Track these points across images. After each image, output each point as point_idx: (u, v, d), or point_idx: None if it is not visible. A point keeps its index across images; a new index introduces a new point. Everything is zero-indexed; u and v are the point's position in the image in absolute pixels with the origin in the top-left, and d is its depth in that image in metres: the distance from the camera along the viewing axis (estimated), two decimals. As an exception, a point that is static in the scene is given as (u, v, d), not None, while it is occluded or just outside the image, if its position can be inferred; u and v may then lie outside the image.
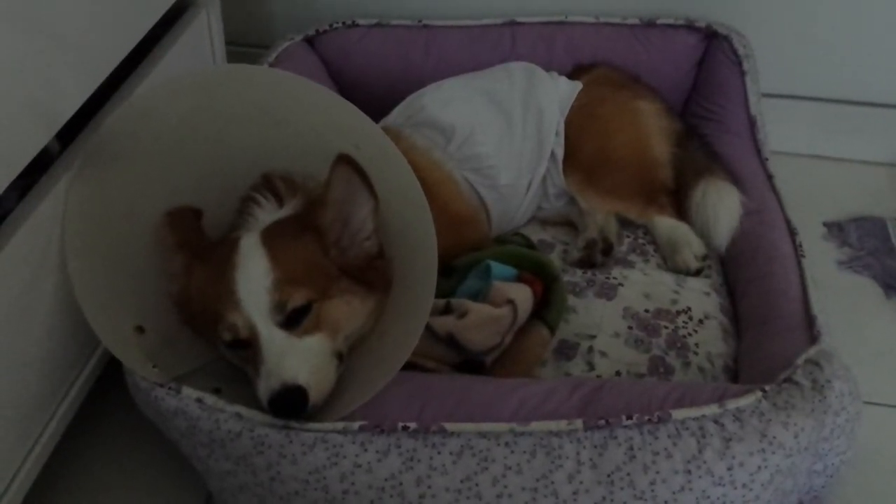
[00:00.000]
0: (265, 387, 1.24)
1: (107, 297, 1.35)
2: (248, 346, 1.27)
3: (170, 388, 1.28)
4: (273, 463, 1.24)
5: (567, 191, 1.82)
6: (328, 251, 1.34)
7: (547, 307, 1.50)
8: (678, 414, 1.21)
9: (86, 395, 1.46)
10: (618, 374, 1.49)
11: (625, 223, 1.86)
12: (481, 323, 1.40)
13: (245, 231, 1.40)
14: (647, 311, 1.60)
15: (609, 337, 1.55)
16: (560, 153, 1.81)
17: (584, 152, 1.79)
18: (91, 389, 1.47)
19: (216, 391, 1.30)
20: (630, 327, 1.56)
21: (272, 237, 1.34)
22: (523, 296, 1.45)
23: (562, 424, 1.22)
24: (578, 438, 1.22)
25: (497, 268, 1.49)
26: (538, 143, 1.80)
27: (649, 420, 1.21)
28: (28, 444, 1.34)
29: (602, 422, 1.22)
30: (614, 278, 1.67)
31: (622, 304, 1.61)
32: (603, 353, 1.52)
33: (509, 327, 1.43)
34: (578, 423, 1.22)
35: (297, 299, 1.26)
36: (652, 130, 1.85)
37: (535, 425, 1.23)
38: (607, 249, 1.74)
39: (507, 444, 1.22)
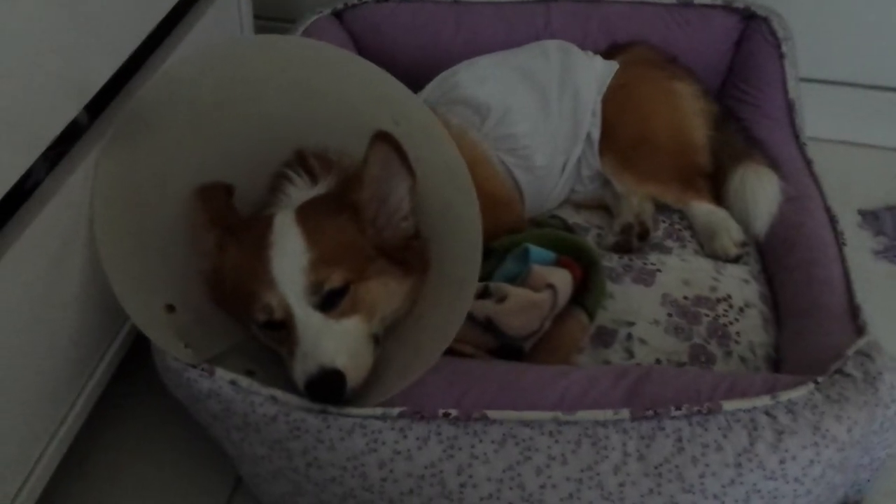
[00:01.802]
0: (301, 370, 1.20)
1: (137, 273, 1.30)
2: (282, 327, 1.23)
3: (202, 370, 1.24)
4: (310, 448, 1.21)
5: (602, 173, 1.78)
6: (365, 231, 1.29)
7: (586, 293, 1.46)
8: (729, 405, 1.18)
9: (112, 373, 1.42)
10: (658, 362, 1.45)
11: (659, 207, 1.81)
12: (521, 308, 1.36)
13: (278, 209, 1.36)
14: (686, 298, 1.56)
15: (648, 324, 1.50)
16: (596, 134, 1.76)
17: (620, 134, 1.74)
18: (116, 369, 1.43)
19: (249, 373, 1.26)
20: (669, 314, 1.52)
21: (307, 215, 1.29)
22: (563, 280, 1.41)
23: (608, 414, 1.19)
24: (625, 429, 1.18)
25: (536, 251, 1.45)
26: (574, 123, 1.76)
27: (699, 411, 1.18)
28: (54, 424, 1.31)
29: (650, 412, 1.18)
30: (652, 264, 1.62)
31: (661, 291, 1.57)
32: (642, 341, 1.48)
33: (549, 313, 1.39)
34: (625, 412, 1.18)
35: (334, 280, 1.22)
36: (690, 112, 1.81)
37: (581, 414, 1.19)
38: (644, 234, 1.70)
39: (550, 433, 1.19)
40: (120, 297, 1.27)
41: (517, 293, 1.37)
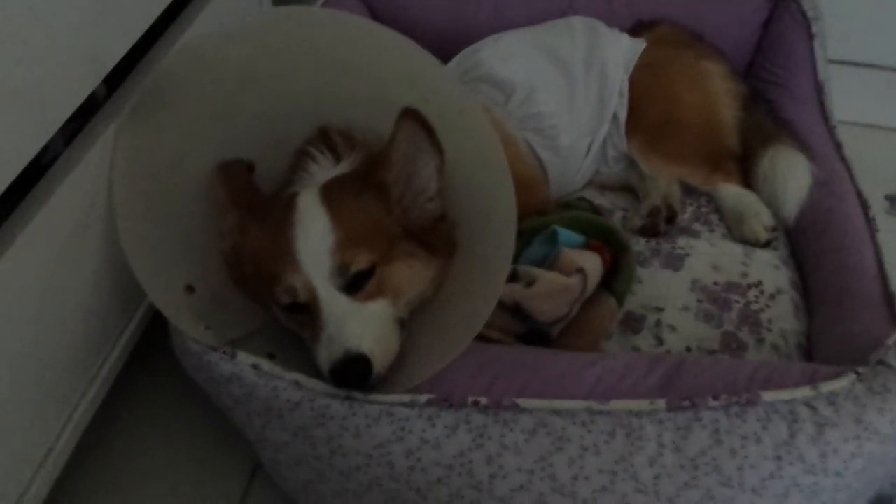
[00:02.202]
0: (326, 354, 1.16)
1: (156, 252, 1.27)
2: (306, 310, 1.19)
3: (224, 353, 1.20)
4: (334, 435, 1.17)
5: (629, 154, 1.74)
6: (391, 211, 1.25)
7: (615, 277, 1.42)
8: (768, 396, 1.13)
9: (128, 355, 1.39)
10: (688, 349, 1.42)
11: (686, 190, 1.77)
12: (550, 292, 1.33)
13: (300, 187, 1.32)
14: (716, 283, 1.52)
15: (678, 310, 1.47)
16: (623, 115, 1.72)
17: (648, 114, 1.70)
18: (131, 351, 1.40)
19: (270, 357, 1.22)
20: (699, 300, 1.49)
21: (332, 195, 1.25)
22: (593, 264, 1.37)
23: (643, 404, 1.15)
24: (660, 419, 1.14)
25: (564, 234, 1.41)
26: (600, 102, 1.71)
27: (737, 402, 1.13)
28: (69, 408, 1.27)
29: (686, 402, 1.14)
30: (680, 248, 1.59)
31: (690, 276, 1.53)
32: (672, 327, 1.44)
33: (578, 297, 1.35)
34: (661, 403, 1.14)
35: (361, 262, 1.19)
36: (719, 93, 1.76)
37: (615, 404, 1.15)
38: (671, 217, 1.66)
39: (583, 423, 1.15)
40: (139, 276, 1.23)
41: (546, 277, 1.33)
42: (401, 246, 1.25)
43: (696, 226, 1.68)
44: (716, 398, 1.14)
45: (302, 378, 1.18)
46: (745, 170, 1.75)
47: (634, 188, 1.77)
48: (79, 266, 1.22)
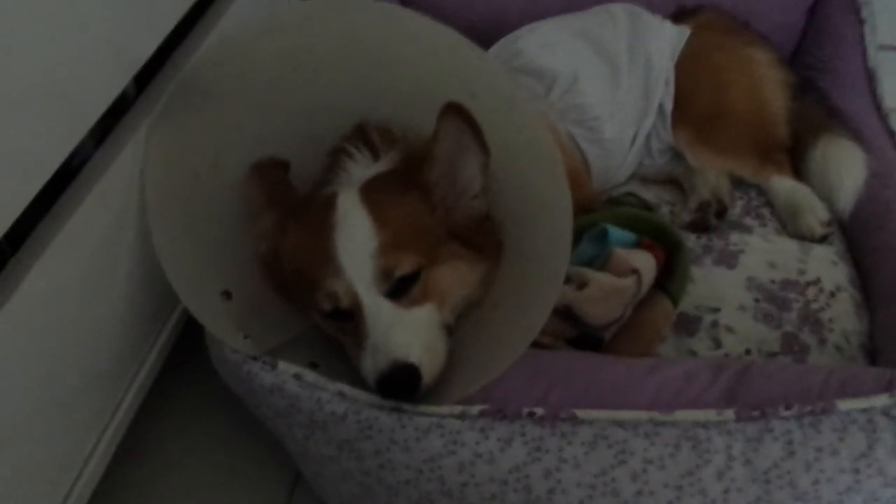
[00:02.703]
0: (372, 364, 1.11)
1: (191, 257, 1.21)
2: (349, 316, 1.14)
3: (264, 363, 1.14)
4: (382, 449, 1.12)
5: (675, 146, 1.67)
6: (435, 211, 1.20)
7: (669, 277, 1.35)
8: (843, 404, 1.07)
9: (162, 363, 1.33)
10: (747, 352, 1.34)
11: (734, 183, 1.69)
12: (603, 295, 1.26)
13: (338, 187, 1.26)
14: (773, 281, 1.45)
15: (734, 310, 1.39)
16: (669, 105, 1.65)
17: (695, 105, 1.63)
18: (165, 359, 1.35)
19: (312, 366, 1.17)
20: (756, 300, 1.41)
21: (373, 195, 1.20)
22: (647, 265, 1.30)
23: (710, 414, 1.08)
24: (729, 430, 1.08)
25: (615, 232, 1.34)
26: (645, 93, 1.64)
27: (811, 411, 1.07)
28: (105, 417, 1.22)
29: (756, 412, 1.08)
30: (734, 244, 1.51)
31: (745, 274, 1.45)
32: (729, 329, 1.37)
33: (632, 300, 1.28)
34: (729, 413, 1.08)
35: (406, 266, 1.14)
36: (768, 82, 1.69)
37: (680, 414, 1.09)
38: (721, 212, 1.58)
39: (646, 434, 1.09)
40: (174, 282, 1.17)
41: (599, 279, 1.26)
42: (445, 247, 1.20)
43: (748, 220, 1.61)
44: (788, 407, 1.08)
45: (347, 389, 1.13)
46: (796, 161, 1.68)
47: (680, 181, 1.70)
48: (111, 273, 1.17)
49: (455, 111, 1.15)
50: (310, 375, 1.14)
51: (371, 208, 1.17)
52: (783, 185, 1.63)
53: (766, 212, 1.63)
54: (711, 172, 1.64)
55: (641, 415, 1.09)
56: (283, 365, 1.14)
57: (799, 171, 1.67)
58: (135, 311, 1.24)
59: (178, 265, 1.19)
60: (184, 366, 1.39)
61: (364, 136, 1.31)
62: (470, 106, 1.14)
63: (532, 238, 1.16)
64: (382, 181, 1.24)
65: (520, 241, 1.21)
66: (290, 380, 1.14)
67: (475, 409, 1.10)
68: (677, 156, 1.70)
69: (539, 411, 1.10)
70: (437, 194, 1.21)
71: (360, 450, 1.13)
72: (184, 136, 1.22)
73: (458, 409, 1.10)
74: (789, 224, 1.59)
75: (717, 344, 1.36)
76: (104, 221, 1.13)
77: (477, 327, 1.20)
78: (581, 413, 1.10)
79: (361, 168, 1.28)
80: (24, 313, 0.97)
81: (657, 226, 1.38)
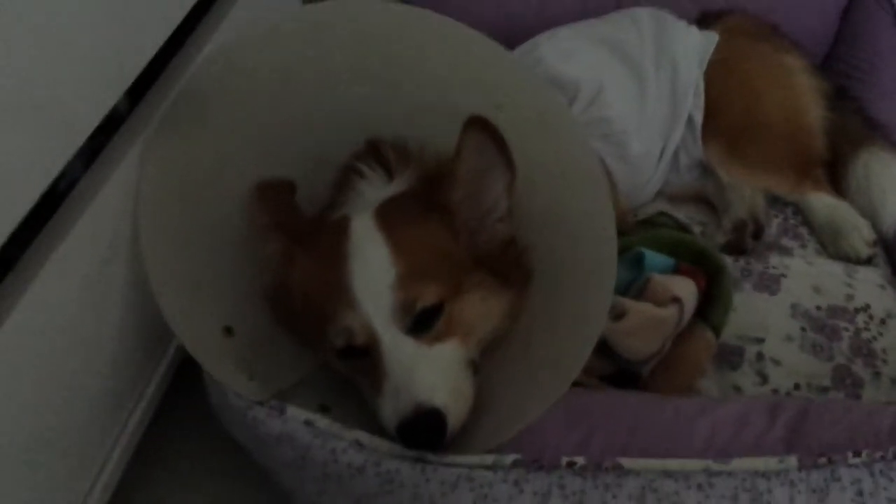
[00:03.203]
0: (392, 409, 1.00)
1: (189, 289, 1.11)
2: (364, 354, 1.04)
3: (271, 408, 1.04)
4: (405, 505, 0.99)
5: (705, 162, 1.58)
6: (457, 236, 1.10)
7: (710, 305, 1.25)
8: (920, 451, 0.95)
9: (156, 406, 1.22)
10: (797, 387, 1.25)
11: (768, 201, 1.59)
12: (643, 326, 1.16)
13: (350, 209, 1.16)
14: (818, 308, 1.35)
15: (780, 340, 1.30)
16: (698, 117, 1.55)
17: (727, 116, 1.54)
18: (160, 401, 1.24)
19: (323, 409, 1.06)
20: (803, 328, 1.32)
21: (390, 219, 1.10)
22: (689, 292, 1.20)
23: (771, 462, 0.98)
24: (792, 480, 0.97)
25: (652, 257, 1.23)
26: (673, 104, 1.55)
27: (882, 457, 0.97)
28: (95, 466, 1.11)
29: (822, 459, 0.97)
30: (774, 267, 1.42)
31: (789, 300, 1.36)
32: (776, 361, 1.28)
33: (673, 331, 1.17)
34: (791, 460, 0.98)
35: (428, 298, 1.03)
36: (803, 90, 1.60)
37: (737, 463, 0.98)
38: (758, 232, 1.49)
39: (699, 486, 0.98)
40: (169, 316, 1.07)
41: (638, 309, 1.15)
42: (470, 276, 1.09)
43: (786, 241, 1.52)
44: (856, 454, 0.98)
45: (365, 437, 1.02)
46: (833, 177, 1.59)
47: (710, 199, 1.61)
48: (101, 307, 1.06)
49: (479, 126, 1.04)
50: (322, 422, 1.03)
51: (388, 234, 1.07)
52: (822, 202, 1.54)
53: (803, 231, 1.55)
54: (746, 189, 1.53)
55: (695, 464, 0.99)
56: (292, 410, 1.04)
57: (837, 188, 1.58)
58: (126, 352, 1.13)
59: (175, 297, 1.09)
60: (180, 408, 1.29)
61: (377, 153, 1.21)
62: (496, 119, 1.04)
63: (569, 267, 1.06)
64: (399, 204, 1.14)
65: (553, 269, 1.10)
66: (301, 427, 1.03)
67: (508, 459, 1.00)
68: (706, 172, 1.61)
69: (580, 460, 0.99)
70: (460, 218, 1.10)
71: (381, 505, 1.00)
72: (180, 156, 1.12)
73: (489, 458, 1.00)
74: (830, 245, 1.50)
75: (764, 378, 1.26)
76: (94, 250, 1.03)
77: (506, 364, 1.10)
78: (627, 462, 0.99)
79: (375, 189, 1.18)
80: (4, 350, 0.88)
81: (697, 249, 1.27)
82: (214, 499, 1.31)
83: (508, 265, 1.13)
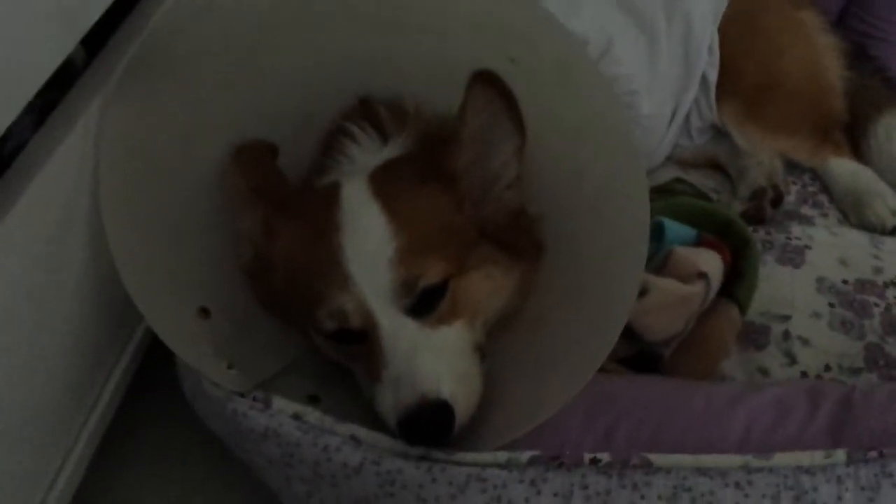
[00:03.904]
0: (393, 401, 0.90)
1: (158, 265, 1.01)
2: (360, 339, 0.94)
3: (254, 399, 0.93)
4: (408, 509, 0.89)
5: (718, 124, 1.48)
6: (462, 206, 1.00)
7: (737, 281, 1.15)
8: (979, 443, 0.86)
9: (120, 398, 1.11)
10: (827, 368, 1.15)
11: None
12: (666, 304, 1.06)
13: (340, 176, 1.05)
14: (845, 282, 1.25)
15: (807, 318, 1.19)
16: (713, 76, 1.46)
17: (744, 75, 1.46)
18: (125, 392, 1.13)
19: (313, 400, 0.96)
20: (831, 304, 1.21)
21: (386, 186, 0.99)
22: (715, 267, 1.10)
23: (816, 457, 0.88)
24: (839, 476, 0.88)
25: (673, 227, 1.13)
26: (686, 62, 1.45)
27: (939, 451, 0.87)
28: (52, 469, 1.00)
29: (873, 453, 0.88)
30: (797, 238, 1.31)
31: (814, 274, 1.25)
32: (804, 341, 1.17)
33: (698, 310, 1.07)
34: (839, 454, 0.88)
35: (432, 275, 0.94)
36: (824, 49, 1.52)
37: (780, 458, 0.89)
38: (777, 199, 1.40)
39: (737, 484, 0.88)
40: (136, 296, 0.96)
41: (661, 286, 1.05)
42: (476, 250, 1.00)
43: (805, 209, 1.43)
44: (911, 446, 0.86)
45: (361, 432, 0.92)
46: (853, 141, 1.51)
47: (723, 165, 1.53)
48: (56, 285, 0.94)
49: (486, 81, 0.94)
50: (313, 415, 0.93)
51: (385, 202, 0.97)
52: (845, 168, 1.46)
53: (823, 199, 1.46)
54: (764, 154, 1.44)
55: (733, 459, 0.89)
56: (278, 402, 0.94)
57: (856, 152, 1.50)
58: (86, 332, 1.02)
59: (141, 274, 0.98)
60: (148, 400, 1.18)
61: (370, 113, 1.11)
62: (508, 74, 0.93)
63: (592, 238, 0.95)
64: (396, 169, 1.03)
65: (572, 241, 0.98)
66: (289, 421, 0.93)
67: (524, 456, 0.90)
68: (719, 135, 1.52)
69: (604, 457, 0.89)
70: (464, 185, 1.00)
71: (380, 510, 0.89)
72: (146, 115, 1.00)
73: (502, 456, 0.89)
74: (853, 213, 1.42)
75: (792, 359, 1.16)
76: (46, 222, 0.91)
77: (518, 349, 1.00)
78: (656, 458, 0.89)
79: (367, 153, 1.09)
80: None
81: (723, 219, 1.17)
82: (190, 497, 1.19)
83: (518, 238, 1.04)
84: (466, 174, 1.00)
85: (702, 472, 0.88)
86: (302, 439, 0.91)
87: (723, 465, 0.89)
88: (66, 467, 1.01)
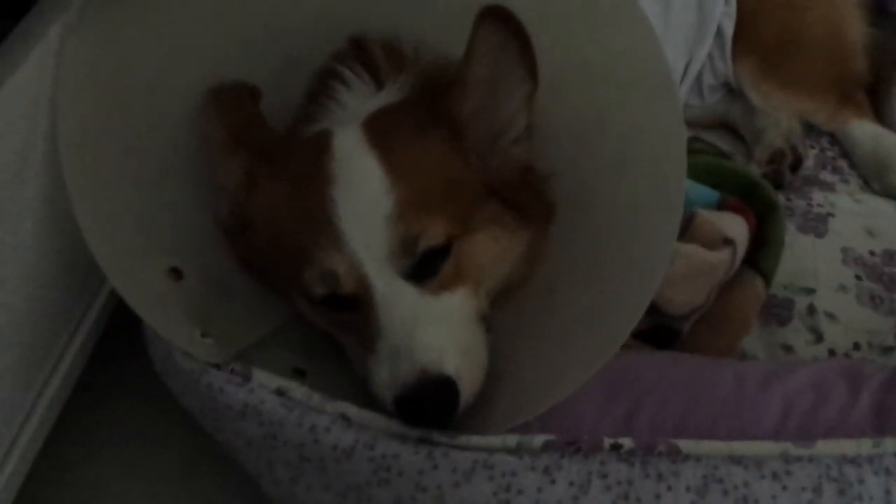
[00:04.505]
0: (389, 375, 0.82)
1: (122, 218, 0.91)
2: (352, 306, 0.85)
3: (232, 372, 0.84)
4: (405, 498, 0.80)
5: (733, 82, 1.41)
6: (467, 158, 0.91)
7: (761, 249, 1.07)
8: None
9: (81, 367, 1.02)
10: (856, 347, 1.08)
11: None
12: (690, 273, 0.98)
13: (331, 124, 0.96)
14: (872, 253, 1.18)
15: (833, 291, 1.13)
16: (729, 29, 1.38)
17: (762, 29, 1.38)
18: (87, 359, 1.04)
19: (298, 373, 0.87)
20: (858, 277, 1.15)
21: (383, 135, 0.90)
22: (741, 233, 1.03)
23: (863, 445, 0.80)
24: (887, 468, 0.80)
25: (694, 188, 1.03)
26: (700, 10, 1.37)
27: None
28: (4, 442, 0.90)
29: (925, 441, 0.80)
30: (818, 205, 1.26)
31: (838, 244, 1.19)
32: (830, 316, 1.10)
33: (722, 279, 0.98)
34: (889, 443, 0.80)
35: (434, 235, 0.85)
36: (846, 3, 1.43)
37: (822, 447, 0.80)
38: (796, 163, 1.32)
39: (774, 474, 0.80)
40: (98, 254, 0.86)
41: (686, 252, 0.97)
42: (481, 209, 0.91)
43: (825, 175, 1.36)
44: (968, 436, 0.79)
45: (353, 410, 0.82)
46: (873, 102, 1.44)
47: (735, 126, 1.45)
48: (10, 238, 0.86)
49: (497, 18, 0.85)
50: (298, 390, 0.84)
51: (382, 152, 0.88)
52: (866, 130, 1.39)
53: (843, 164, 1.39)
54: (782, 115, 1.37)
55: (770, 447, 0.81)
56: (259, 376, 0.84)
57: (876, 114, 1.43)
58: (43, 291, 0.94)
59: (105, 229, 0.89)
60: (114, 369, 1.06)
61: (363, 54, 1.02)
62: (520, 6, 0.84)
63: (613, 197, 0.85)
64: (393, 116, 0.94)
65: (588, 201, 0.89)
66: (271, 397, 0.84)
67: (537, 441, 0.80)
68: (731, 94, 1.45)
69: (626, 443, 0.81)
70: (470, 135, 0.91)
71: (376, 499, 0.81)
72: (112, 48, 0.92)
73: (512, 439, 0.80)
74: (875, 180, 1.35)
75: (818, 336, 1.10)
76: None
77: (527, 321, 0.91)
78: (685, 445, 0.80)
79: (361, 99, 0.99)
80: None
81: (748, 180, 1.09)
82: (163, 481, 1.09)
83: (526, 197, 0.94)
84: (472, 123, 0.91)
85: (735, 460, 0.80)
86: (286, 418, 0.82)
87: (759, 452, 0.80)
88: (20, 438, 0.92)
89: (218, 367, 0.84)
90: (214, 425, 0.88)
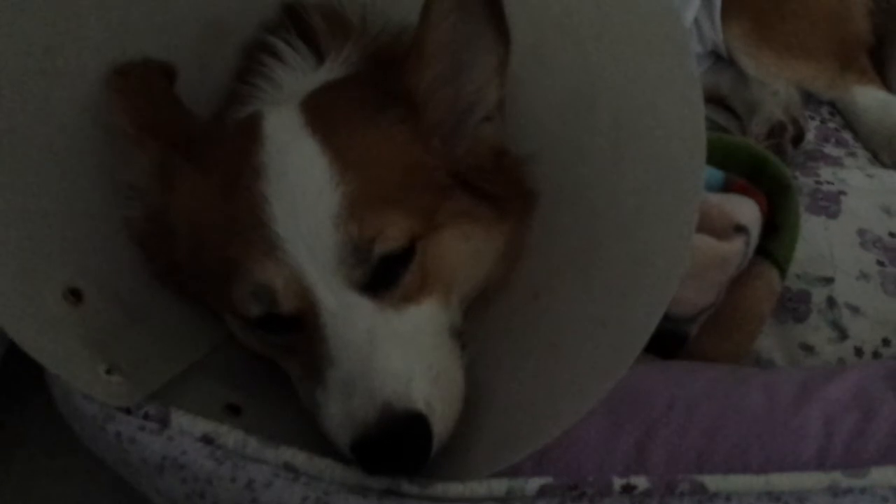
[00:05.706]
0: (344, 413, 0.67)
1: (11, 226, 0.73)
2: (296, 326, 0.72)
3: (146, 417, 0.68)
4: (369, 567, 0.65)
5: (723, 49, 1.30)
6: (428, 142, 0.78)
7: (774, 236, 0.92)
8: None
9: None
10: (886, 343, 0.95)
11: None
12: (699, 268, 0.84)
13: (261, 105, 0.84)
14: (892, 234, 1.05)
15: (853, 280, 0.99)
16: None
17: None
18: None
19: (232, 411, 0.73)
20: (880, 262, 1.01)
21: (326, 117, 0.76)
22: (753, 218, 0.89)
23: None
24: (950, 499, 0.67)
25: (699, 168, 0.89)
26: None
27: None
28: None
29: None
30: (828, 182, 1.12)
31: (854, 225, 1.06)
32: (853, 308, 0.97)
33: (734, 273, 0.85)
34: (953, 469, 0.67)
35: (392, 237, 0.72)
36: None
37: (876, 474, 0.67)
38: (798, 136, 1.20)
39: (820, 511, 0.66)
40: None
41: (696, 244, 0.81)
42: (448, 202, 0.78)
43: (829, 148, 1.23)
44: None
45: (300, 458, 0.69)
46: (876, 66, 1.34)
47: (726, 98, 1.34)
48: None
49: None
50: (230, 436, 0.70)
51: (325, 138, 0.74)
52: (872, 97, 1.29)
53: (848, 136, 1.27)
54: (779, 83, 1.26)
55: (816, 479, 0.67)
56: (180, 420, 0.70)
57: (882, 79, 1.33)
58: None
59: None
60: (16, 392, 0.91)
61: (299, 23, 0.90)
62: None
63: (611, 180, 0.70)
64: (337, 95, 0.81)
65: (578, 187, 0.74)
66: (196, 447, 0.71)
67: (531, 486, 0.67)
68: (719, 63, 1.34)
69: (640, 482, 0.68)
70: (430, 114, 0.78)
71: (329, 569, 0.65)
72: None
73: (500, 486, 0.67)
74: (885, 152, 1.23)
75: (842, 333, 0.96)
76: None
77: (508, 332, 0.76)
78: (711, 481, 0.67)
79: (298, 76, 0.87)
80: None
81: (759, 157, 0.94)
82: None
83: (501, 185, 0.81)
84: (432, 99, 0.78)
85: (774, 497, 0.66)
86: (215, 472, 0.68)
87: (802, 486, 0.67)
88: None
89: (128, 411, 0.68)
90: (132, 479, 0.72)
